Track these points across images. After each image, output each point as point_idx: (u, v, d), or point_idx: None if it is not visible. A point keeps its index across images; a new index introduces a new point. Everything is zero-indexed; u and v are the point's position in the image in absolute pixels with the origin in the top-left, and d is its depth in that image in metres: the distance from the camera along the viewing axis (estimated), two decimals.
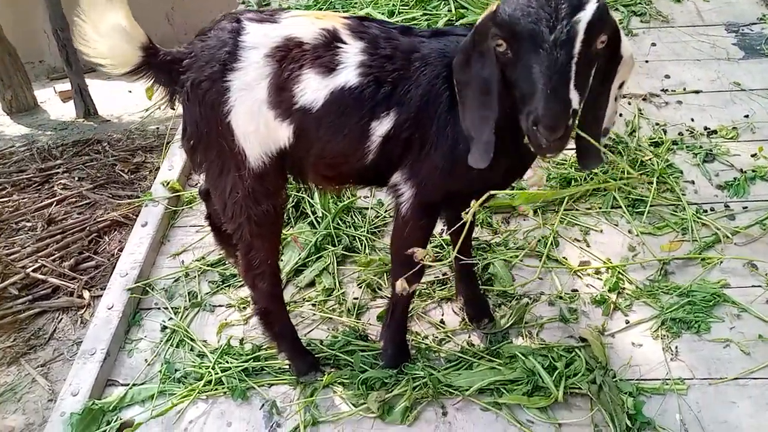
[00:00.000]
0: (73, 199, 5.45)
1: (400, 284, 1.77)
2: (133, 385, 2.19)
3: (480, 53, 1.55)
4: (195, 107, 1.74)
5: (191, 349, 2.28)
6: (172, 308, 2.43)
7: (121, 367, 2.28)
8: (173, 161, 3.00)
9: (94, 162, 6.09)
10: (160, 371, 2.21)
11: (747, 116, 2.96)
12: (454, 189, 1.80)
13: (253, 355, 2.20)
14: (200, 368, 2.19)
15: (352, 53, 1.72)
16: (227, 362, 2.20)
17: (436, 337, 2.21)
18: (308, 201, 2.69)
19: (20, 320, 4.02)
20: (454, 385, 2.03)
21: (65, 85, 7.57)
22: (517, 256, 2.44)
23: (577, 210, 2.63)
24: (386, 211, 2.70)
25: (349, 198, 2.70)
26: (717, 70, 3.26)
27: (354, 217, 2.67)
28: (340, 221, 2.64)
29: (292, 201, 2.71)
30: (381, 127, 1.74)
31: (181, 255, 2.65)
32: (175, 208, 2.83)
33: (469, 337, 2.20)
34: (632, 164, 2.72)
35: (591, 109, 1.64)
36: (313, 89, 1.71)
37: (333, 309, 2.35)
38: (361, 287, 2.42)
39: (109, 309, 2.41)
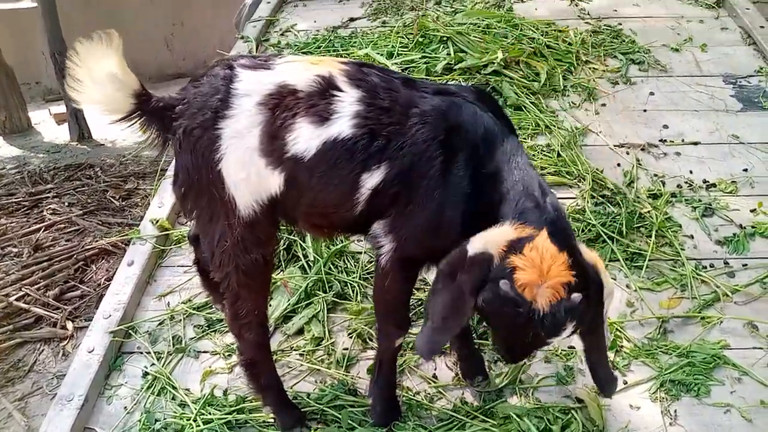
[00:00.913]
0: (62, 225, 5.38)
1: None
2: None
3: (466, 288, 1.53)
4: (187, 154, 1.72)
5: (173, 398, 2.19)
6: (155, 353, 2.35)
7: (99, 414, 2.19)
8: (163, 198, 2.94)
9: (86, 187, 6.03)
10: (140, 421, 2.13)
11: (746, 170, 2.95)
12: (435, 248, 1.75)
13: (237, 407, 2.12)
14: (181, 419, 2.11)
15: (348, 102, 1.70)
16: (210, 413, 2.11)
17: (428, 393, 2.14)
18: (300, 244, 2.63)
19: (2, 350, 3.91)
20: None
21: (60, 108, 7.54)
22: None
23: None
24: None
25: (342, 242, 2.64)
26: (716, 122, 3.25)
27: (346, 261, 2.61)
28: (332, 266, 2.58)
29: (284, 244, 2.65)
30: (371, 179, 1.72)
31: (167, 296, 2.58)
32: (163, 248, 2.76)
33: (463, 394, 2.13)
34: (631, 216, 2.68)
35: (595, 350, 1.73)
36: (305, 138, 1.69)
37: (321, 360, 2.28)
38: (351, 337, 2.35)
39: (89, 352, 2.33)
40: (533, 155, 3.04)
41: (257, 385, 2.03)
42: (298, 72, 1.73)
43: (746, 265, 2.52)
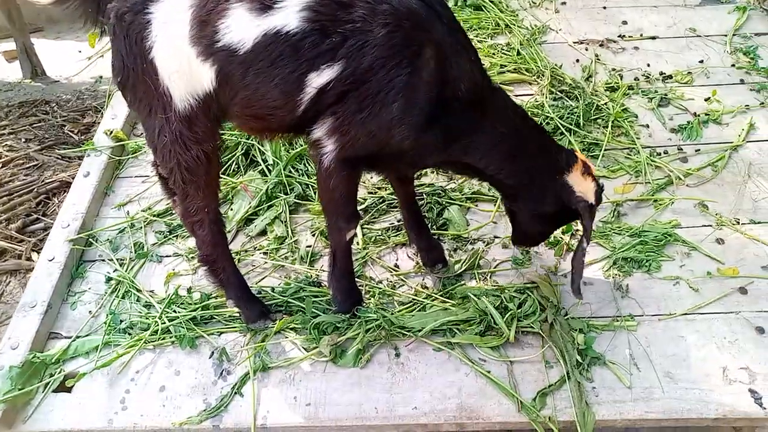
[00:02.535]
0: (20, 161, 5.25)
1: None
2: (77, 337, 2.12)
3: None
4: (120, 41, 1.63)
5: (137, 300, 2.21)
6: (117, 260, 2.35)
7: (64, 319, 2.20)
8: (117, 110, 2.88)
9: (42, 123, 5.85)
10: (105, 322, 2.14)
11: (701, 61, 2.98)
12: (382, 152, 1.72)
13: (202, 303, 2.15)
14: (147, 318, 2.13)
15: None
16: (175, 312, 2.15)
17: (390, 281, 2.19)
18: (258, 149, 2.62)
19: None
20: (407, 326, 2.01)
21: (9, 45, 7.23)
22: (471, 200, 2.43)
23: None
24: None
25: (302, 145, 2.63)
26: (674, 17, 3.25)
27: (307, 164, 2.61)
28: (292, 169, 2.58)
29: (242, 148, 2.64)
30: (319, 79, 1.58)
31: (126, 206, 2.56)
32: (119, 158, 2.73)
33: (423, 280, 2.18)
34: (588, 108, 2.71)
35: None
36: (241, 27, 1.53)
37: (285, 257, 2.31)
38: (314, 235, 2.37)
39: (50, 261, 2.32)
40: (493, 54, 3.03)
41: (217, 279, 2.06)
42: None
43: (699, 150, 2.58)
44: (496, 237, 2.32)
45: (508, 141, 1.79)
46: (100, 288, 2.28)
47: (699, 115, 2.70)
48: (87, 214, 2.48)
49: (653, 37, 3.14)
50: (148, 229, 2.47)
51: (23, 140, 5.65)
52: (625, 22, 3.23)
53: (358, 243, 2.31)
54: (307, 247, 2.33)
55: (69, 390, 2.01)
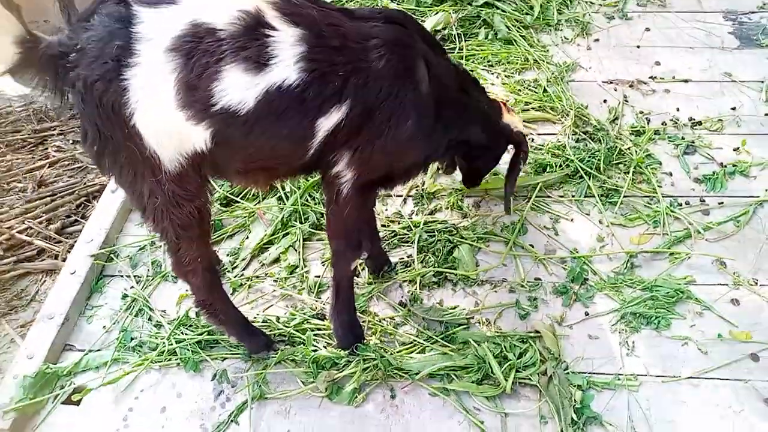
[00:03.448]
0: (66, 162, 5.42)
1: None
2: (90, 351, 2.19)
3: None
4: (93, 109, 1.49)
5: (149, 319, 2.26)
6: (134, 277, 2.41)
7: (80, 332, 2.27)
8: None
9: None
10: (117, 339, 2.20)
11: (734, 108, 2.87)
12: (399, 171, 1.85)
13: (209, 327, 2.18)
14: (156, 338, 2.18)
15: (288, 44, 1.51)
16: (183, 333, 2.19)
17: (393, 319, 2.19)
18: None
19: (4, 281, 4.03)
20: (405, 368, 2.00)
21: None
22: (483, 240, 2.40)
23: (549, 197, 2.56)
24: None
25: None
26: (710, 59, 3.15)
27: (323, 194, 2.62)
28: (309, 197, 2.60)
29: None
30: (328, 121, 1.61)
31: None
32: None
33: (424, 320, 2.16)
34: (610, 152, 2.65)
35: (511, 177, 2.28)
36: (239, 89, 1.49)
37: (294, 286, 2.32)
38: (324, 265, 2.38)
39: (71, 274, 2.40)
40: (519, 90, 2.99)
41: (216, 321, 2.05)
42: (215, 6, 1.48)
43: (722, 203, 2.48)
44: (504, 280, 2.29)
45: (480, 109, 2.07)
46: (116, 304, 2.34)
47: (726, 166, 2.60)
48: (111, 229, 2.55)
49: (686, 80, 3.04)
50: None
51: (71, 141, 5.86)
52: (658, 63, 3.15)
53: (362, 277, 2.31)
54: (315, 277, 2.34)
55: (77, 403, 2.07)
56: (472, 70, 3.11)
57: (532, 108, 2.89)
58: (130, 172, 1.61)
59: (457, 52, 3.17)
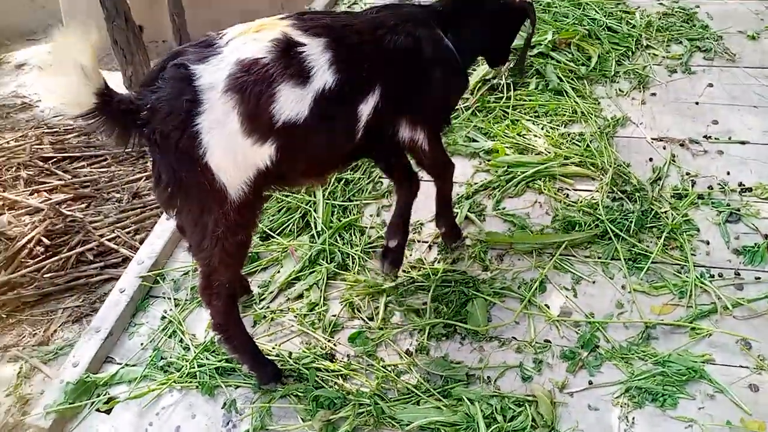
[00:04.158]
0: None
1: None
2: (125, 365, 2.39)
3: None
4: (168, 156, 1.74)
5: (180, 341, 2.44)
6: (174, 299, 2.61)
7: (121, 347, 2.49)
8: None
9: None
10: (150, 357, 2.40)
11: None
12: (453, 104, 2.39)
13: (228, 356, 2.32)
14: (182, 360, 2.35)
15: (317, 53, 1.78)
16: (205, 358, 2.34)
17: (397, 367, 2.22)
18: (312, 214, 2.77)
19: (90, 284, 4.45)
20: (397, 418, 2.04)
21: None
22: (499, 296, 2.39)
23: (574, 257, 2.51)
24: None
25: (352, 214, 2.76)
26: None
27: (353, 234, 2.71)
28: (338, 237, 2.70)
29: (300, 212, 2.81)
30: (367, 106, 1.89)
31: None
32: None
33: (428, 373, 2.19)
34: (644, 215, 2.55)
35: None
36: (293, 103, 1.74)
37: (312, 323, 2.42)
38: (342, 305, 2.47)
39: (121, 292, 2.63)
40: (561, 144, 2.95)
41: (230, 346, 2.18)
42: (250, 44, 1.73)
43: (759, 278, 2.32)
44: (513, 338, 2.27)
45: (488, 12, 2.29)
46: (155, 323, 2.54)
47: None
48: (161, 254, 2.77)
49: (743, 142, 2.87)
50: None
51: None
52: (715, 122, 2.99)
53: (375, 321, 2.37)
54: (332, 316, 2.43)
55: (107, 412, 2.27)
56: (517, 120, 3.11)
57: (572, 162, 2.83)
58: (198, 207, 1.84)
59: (504, 102, 3.17)
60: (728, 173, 2.74)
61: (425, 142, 2.14)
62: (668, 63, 3.38)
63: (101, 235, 4.89)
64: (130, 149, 1.81)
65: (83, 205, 5.46)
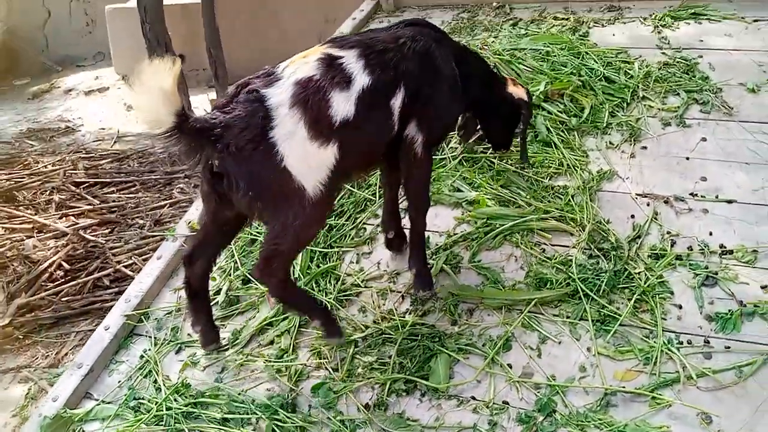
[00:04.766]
0: (184, 204, 6.06)
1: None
2: (101, 402, 2.46)
3: None
4: (245, 166, 2.00)
5: (155, 382, 2.50)
6: (155, 339, 2.68)
7: (100, 384, 2.56)
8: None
9: None
10: (125, 396, 2.46)
11: None
12: (448, 126, 2.58)
13: (195, 400, 2.37)
14: (151, 402, 2.41)
15: (354, 61, 2.14)
16: (175, 400, 2.39)
17: (353, 422, 2.22)
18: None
19: (105, 309, 4.59)
20: None
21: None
22: (463, 352, 2.37)
23: (543, 315, 2.47)
24: (363, 280, 2.74)
25: (328, 262, 2.79)
26: (765, 179, 2.85)
27: (329, 282, 2.74)
28: (315, 283, 2.73)
29: None
30: (397, 100, 2.22)
31: (182, 290, 2.89)
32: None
33: (383, 430, 2.18)
34: (617, 275, 2.49)
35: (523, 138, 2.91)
36: (344, 104, 2.08)
37: (279, 370, 2.45)
38: (311, 353, 2.49)
39: (105, 330, 2.71)
40: (543, 197, 2.92)
41: (297, 309, 2.44)
42: (301, 67, 2.10)
43: (729, 348, 2.23)
44: (473, 398, 2.23)
45: (489, 76, 2.71)
46: (134, 362, 2.61)
47: (746, 305, 2.34)
48: (147, 293, 2.85)
49: (730, 201, 2.77)
50: (189, 317, 2.76)
51: (193, 185, 6.50)
52: (704, 179, 2.90)
53: (340, 372, 2.38)
54: (299, 364, 2.45)
55: None
56: (503, 171, 3.09)
57: (552, 217, 2.80)
58: (281, 206, 2.09)
59: (491, 152, 3.16)
60: (710, 233, 2.65)
61: (419, 147, 2.36)
62: (663, 115, 3.31)
63: (118, 262, 5.07)
64: (198, 164, 2.05)
65: (107, 231, 5.66)
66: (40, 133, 8.37)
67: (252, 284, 2.81)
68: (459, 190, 3.04)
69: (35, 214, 5.77)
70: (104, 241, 5.32)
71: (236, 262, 2.92)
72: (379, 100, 2.18)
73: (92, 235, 5.41)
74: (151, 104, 1.86)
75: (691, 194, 2.84)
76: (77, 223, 5.62)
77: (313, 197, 2.07)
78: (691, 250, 2.60)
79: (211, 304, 2.78)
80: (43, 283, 4.77)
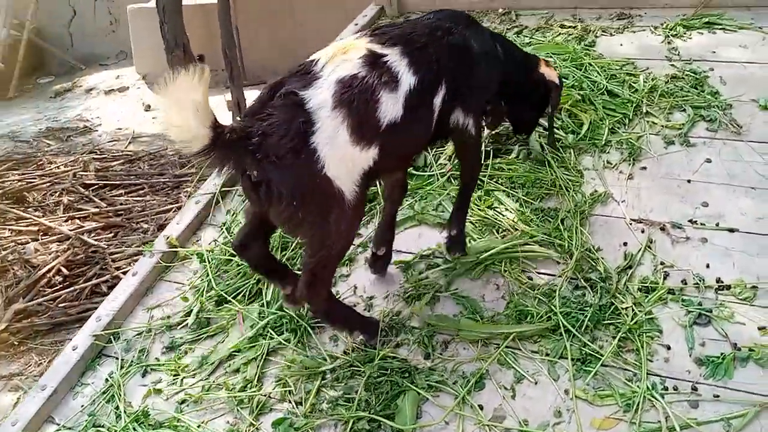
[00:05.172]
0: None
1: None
2: (62, 427, 2.38)
3: None
4: (286, 174, 1.88)
5: (116, 408, 2.41)
6: (122, 361, 2.58)
7: (64, 407, 2.47)
8: (184, 217, 3.17)
9: None
10: (85, 422, 2.37)
11: None
12: (491, 94, 2.56)
13: (153, 431, 2.26)
14: (110, 431, 2.31)
15: (398, 60, 2.03)
16: (134, 429, 2.29)
17: None
18: (266, 283, 2.69)
19: None
20: None
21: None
22: (433, 390, 2.22)
23: (521, 350, 2.29)
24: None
25: None
26: None
27: (302, 308, 2.60)
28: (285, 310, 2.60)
29: (255, 278, 2.73)
30: (438, 98, 2.16)
31: (154, 310, 2.80)
32: (167, 264, 2.99)
33: None
34: (602, 309, 2.31)
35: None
36: (393, 105, 2.00)
37: (242, 401, 2.33)
38: (277, 383, 2.36)
39: (73, 350, 2.63)
40: (531, 220, 2.74)
41: (340, 325, 2.36)
42: (344, 64, 1.96)
43: (718, 396, 2.03)
44: None
45: (520, 56, 2.71)
46: (100, 384, 2.52)
47: (740, 349, 2.14)
48: (119, 311, 2.76)
49: (731, 230, 2.55)
50: (159, 338, 2.67)
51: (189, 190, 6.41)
52: (705, 204, 2.69)
53: (304, 406, 2.24)
54: (262, 395, 2.32)
55: None
56: (492, 190, 2.92)
57: (538, 242, 2.62)
58: (322, 212, 2.00)
59: (481, 171, 2.98)
60: (707, 266, 2.44)
61: (473, 127, 2.33)
62: (667, 133, 3.09)
63: (117, 268, 5.02)
64: (237, 175, 1.98)
65: (110, 235, 5.62)
66: (58, 133, 8.43)
67: (225, 306, 2.69)
68: (446, 210, 2.87)
69: (42, 216, 5.77)
70: (106, 246, 5.28)
71: (210, 281, 2.80)
72: (425, 99, 2.11)
73: (95, 239, 5.38)
74: (184, 120, 1.71)
75: (690, 221, 2.63)
76: (82, 227, 5.60)
77: (351, 201, 1.99)
78: (685, 283, 2.39)
79: (181, 326, 2.70)
80: (41, 289, 4.75)
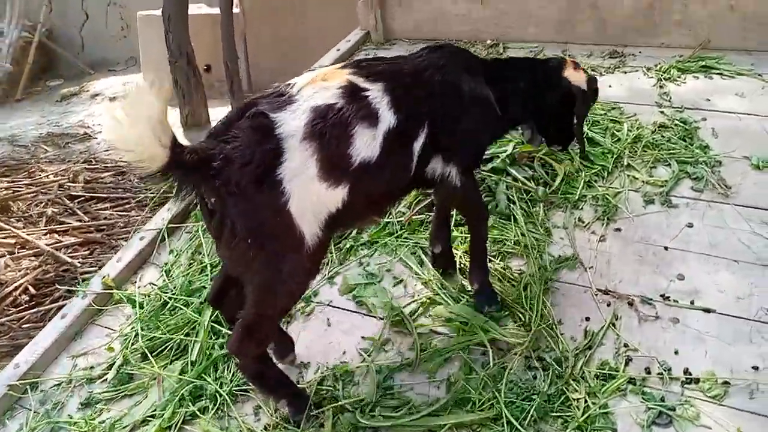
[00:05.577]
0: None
1: None
2: None
3: None
4: (245, 206, 1.69)
5: None
6: (35, 413, 2.35)
7: None
8: (125, 254, 2.95)
9: None
10: None
11: (756, 368, 2.05)
12: (485, 147, 2.35)
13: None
14: None
15: (380, 96, 1.85)
16: None
17: None
18: (193, 340, 2.45)
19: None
20: None
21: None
22: None
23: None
24: None
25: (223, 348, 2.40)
26: (755, 284, 2.31)
27: (228, 368, 2.36)
28: (213, 369, 2.36)
29: (184, 332, 2.49)
30: (418, 143, 1.96)
31: (80, 358, 2.58)
32: (100, 307, 2.76)
33: None
34: (551, 399, 2.03)
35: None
36: (368, 142, 1.81)
37: None
38: None
39: None
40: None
41: (267, 391, 2.09)
42: (322, 91, 1.79)
43: None
44: None
45: (533, 84, 2.31)
46: None
47: None
48: (41, 359, 2.54)
49: (707, 310, 2.26)
50: (78, 391, 2.44)
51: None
52: (681, 277, 2.39)
53: None
54: None
55: None
56: (457, 248, 2.65)
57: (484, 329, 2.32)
58: (275, 256, 1.78)
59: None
60: (676, 352, 2.14)
61: (456, 178, 2.09)
62: (647, 190, 2.79)
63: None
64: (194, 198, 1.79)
65: (87, 252, 5.44)
66: (58, 139, 8.32)
67: (150, 360, 2.45)
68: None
69: (23, 228, 5.60)
70: (80, 264, 5.10)
71: (139, 331, 2.57)
72: (403, 143, 1.92)
73: (70, 256, 5.19)
74: (140, 138, 1.54)
75: (662, 296, 2.34)
76: (60, 241, 5.42)
77: (311, 247, 1.78)
78: (649, 372, 2.10)
79: (102, 379, 2.47)
80: (5, 308, 4.56)
